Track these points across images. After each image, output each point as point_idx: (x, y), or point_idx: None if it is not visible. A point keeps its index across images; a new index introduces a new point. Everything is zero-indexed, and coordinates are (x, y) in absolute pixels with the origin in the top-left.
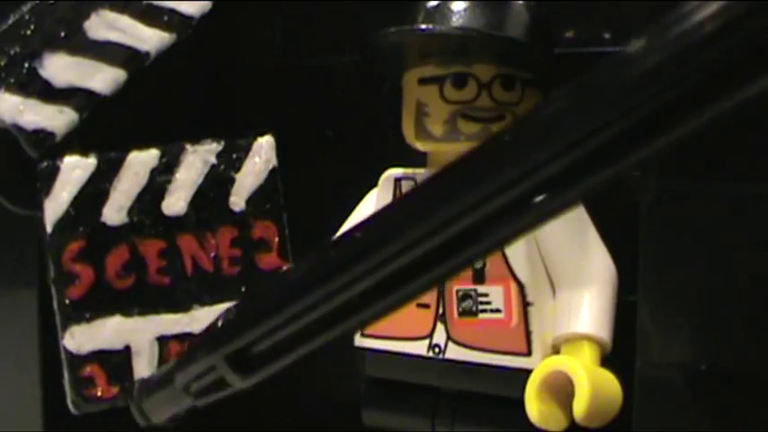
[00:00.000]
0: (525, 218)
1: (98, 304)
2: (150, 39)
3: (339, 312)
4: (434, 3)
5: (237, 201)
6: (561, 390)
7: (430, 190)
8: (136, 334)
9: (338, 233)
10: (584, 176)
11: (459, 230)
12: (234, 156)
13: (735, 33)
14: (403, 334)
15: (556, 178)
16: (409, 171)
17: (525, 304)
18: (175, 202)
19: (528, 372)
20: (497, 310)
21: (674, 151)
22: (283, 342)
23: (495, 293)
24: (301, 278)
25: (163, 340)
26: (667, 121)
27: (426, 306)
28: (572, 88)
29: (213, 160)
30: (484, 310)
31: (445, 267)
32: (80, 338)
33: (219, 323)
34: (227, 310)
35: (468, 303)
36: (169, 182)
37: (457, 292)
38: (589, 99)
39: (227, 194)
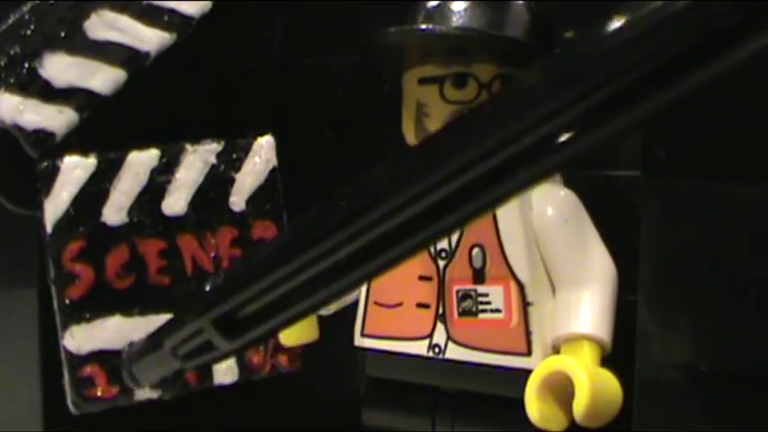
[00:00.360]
0: (506, 186)
1: (98, 304)
2: (150, 39)
3: (323, 277)
4: (434, 3)
5: (237, 201)
6: (561, 390)
7: (412, 162)
8: (136, 334)
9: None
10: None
11: (440, 198)
12: (234, 156)
13: (704, 10)
14: (403, 334)
15: (537, 147)
16: None
17: (525, 304)
18: (175, 202)
19: (528, 372)
20: (497, 310)
21: (675, 151)
22: (269, 306)
23: (495, 293)
24: (286, 243)
25: None
26: (641, 93)
27: (426, 306)
28: (548, 64)
29: (213, 160)
30: (484, 310)
31: (424, 234)
32: (80, 338)
33: (207, 287)
34: (216, 276)
35: (468, 303)
36: (169, 182)
37: (457, 292)
38: (566, 71)
39: (227, 194)
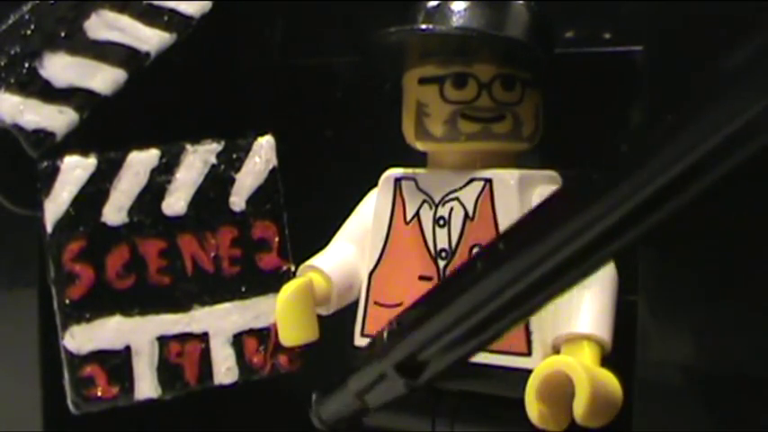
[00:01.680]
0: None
1: (98, 304)
2: (150, 39)
3: (493, 316)
4: (434, 3)
5: (237, 201)
6: (561, 390)
7: (567, 200)
8: (136, 334)
9: (339, 232)
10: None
11: (597, 234)
12: (234, 156)
13: None
14: None
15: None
16: (409, 171)
17: None
18: (175, 202)
19: (528, 372)
20: None
21: None
22: (446, 345)
23: None
24: (457, 287)
25: (163, 340)
26: None
27: None
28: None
29: (213, 160)
30: None
31: (585, 268)
32: (80, 338)
33: (385, 334)
34: (390, 322)
35: None
36: (169, 182)
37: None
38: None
39: (227, 194)
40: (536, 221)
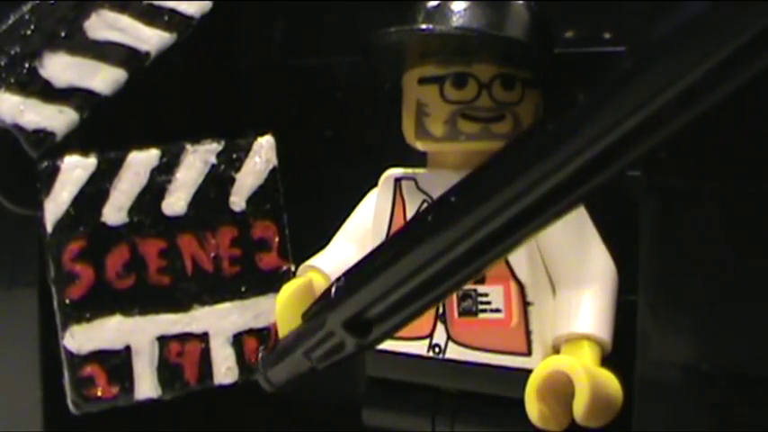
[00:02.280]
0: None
1: (98, 304)
2: (150, 39)
3: (442, 274)
4: (435, 3)
5: (237, 201)
6: (561, 390)
7: (522, 150)
8: (136, 334)
9: (339, 232)
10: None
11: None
12: (234, 156)
13: None
14: (403, 334)
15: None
16: (409, 171)
17: (525, 304)
18: (175, 201)
19: (528, 372)
20: (497, 310)
21: (675, 151)
22: (394, 303)
23: (495, 293)
24: (404, 244)
25: (163, 340)
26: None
27: None
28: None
29: (213, 160)
30: (484, 310)
31: (540, 220)
32: (80, 338)
33: (332, 291)
34: (338, 278)
35: (467, 303)
36: (169, 182)
37: (457, 291)
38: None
39: (227, 194)
40: (489, 174)
